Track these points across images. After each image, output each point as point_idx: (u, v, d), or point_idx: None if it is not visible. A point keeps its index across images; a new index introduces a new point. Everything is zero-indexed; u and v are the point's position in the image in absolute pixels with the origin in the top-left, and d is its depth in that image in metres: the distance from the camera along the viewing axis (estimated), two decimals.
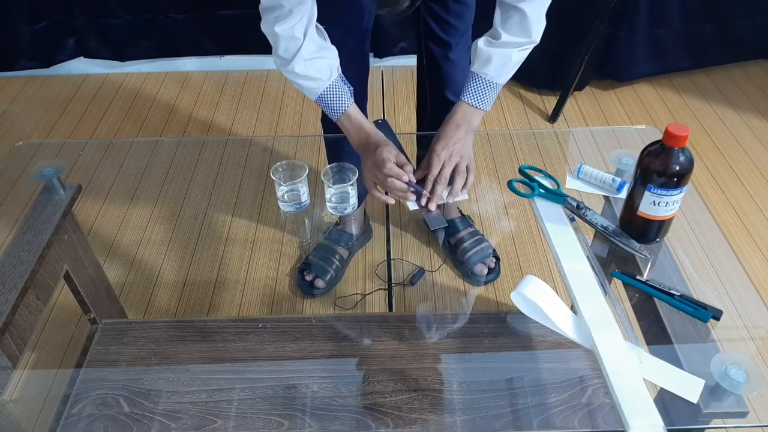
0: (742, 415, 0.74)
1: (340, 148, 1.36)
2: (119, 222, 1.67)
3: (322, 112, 1.39)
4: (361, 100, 1.33)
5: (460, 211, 1.58)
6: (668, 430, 0.70)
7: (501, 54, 1.03)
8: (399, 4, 0.88)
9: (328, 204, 1.12)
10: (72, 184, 1.07)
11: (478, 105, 1.06)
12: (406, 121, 2.18)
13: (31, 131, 2.16)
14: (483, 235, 1.56)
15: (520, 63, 1.06)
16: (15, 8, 2.21)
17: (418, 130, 1.56)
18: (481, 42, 1.05)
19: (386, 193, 1.03)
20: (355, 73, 1.24)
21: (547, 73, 2.28)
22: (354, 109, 1.08)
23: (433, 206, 1.01)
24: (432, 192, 1.01)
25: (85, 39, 2.35)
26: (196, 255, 1.61)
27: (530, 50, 1.06)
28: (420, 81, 1.45)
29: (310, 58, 1.02)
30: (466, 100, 1.07)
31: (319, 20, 1.05)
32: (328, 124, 1.39)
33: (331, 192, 1.11)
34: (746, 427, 0.76)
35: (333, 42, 1.08)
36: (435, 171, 1.02)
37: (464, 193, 1.05)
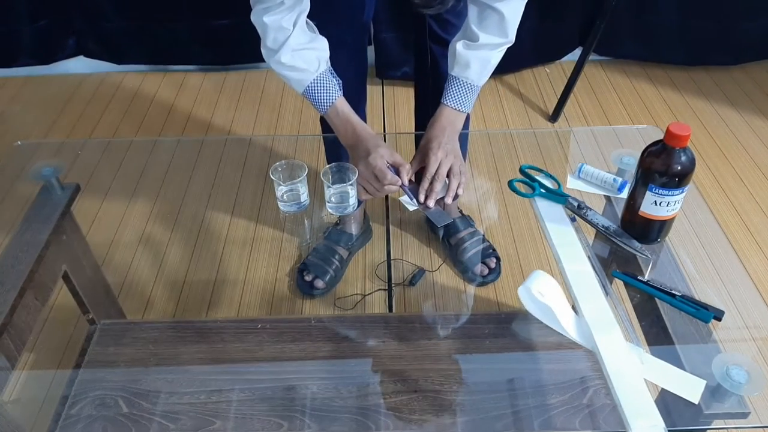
0: (744, 415, 0.73)
1: (339, 147, 1.36)
2: (118, 222, 1.67)
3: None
4: (359, 99, 1.33)
5: (461, 211, 1.58)
6: (669, 430, 0.70)
7: (480, 58, 1.04)
8: (446, 3, 0.86)
9: (327, 204, 1.12)
10: (70, 183, 1.07)
11: (460, 108, 1.08)
12: (405, 120, 2.18)
13: (30, 131, 2.16)
14: (483, 235, 1.56)
15: (497, 62, 1.07)
16: (15, 6, 2.20)
17: (416, 130, 1.56)
18: (459, 46, 1.05)
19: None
20: (355, 72, 1.23)
21: (535, 49, 2.32)
22: (342, 103, 1.06)
23: (431, 203, 1.01)
24: (430, 189, 1.01)
25: (85, 39, 2.35)
26: (195, 255, 1.60)
27: (505, 50, 1.06)
28: (420, 80, 1.45)
29: (298, 48, 1.01)
30: (448, 103, 1.08)
31: (318, 19, 1.05)
32: (327, 123, 1.39)
33: (330, 192, 1.10)
34: (748, 428, 0.76)
35: (332, 42, 1.08)
36: (433, 169, 1.02)
37: (460, 190, 1.05)
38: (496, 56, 1.06)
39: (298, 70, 1.02)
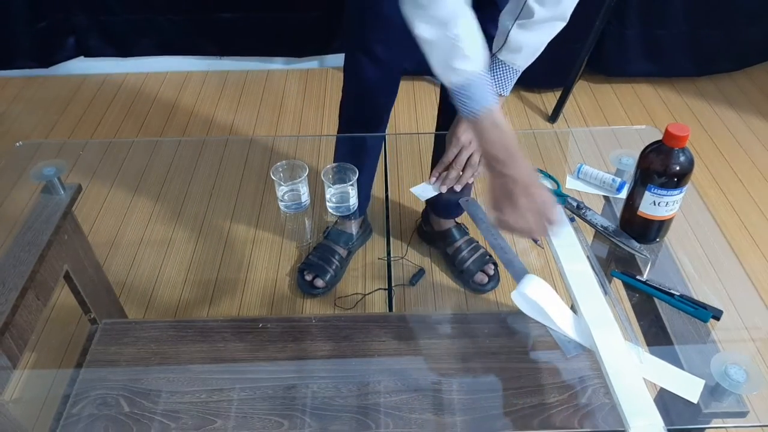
0: (742, 414, 0.74)
1: (356, 147, 1.36)
2: (119, 222, 1.67)
3: (341, 107, 1.36)
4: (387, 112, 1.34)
5: (455, 220, 1.58)
6: (668, 429, 0.70)
7: (532, 44, 0.97)
8: None
9: (327, 204, 1.12)
10: (72, 183, 1.07)
11: (500, 91, 1.03)
12: (405, 118, 2.18)
13: (31, 131, 2.16)
14: (478, 242, 1.56)
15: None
16: (15, 8, 2.21)
17: (437, 130, 1.53)
18: (514, 28, 0.97)
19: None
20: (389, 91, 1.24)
21: (544, 72, 2.28)
22: (497, 107, 0.87)
23: (444, 188, 1.03)
24: (445, 176, 1.03)
25: (85, 38, 2.35)
26: (196, 255, 1.61)
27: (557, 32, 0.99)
28: None
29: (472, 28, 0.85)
30: None
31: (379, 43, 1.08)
32: (348, 120, 1.37)
33: (331, 192, 1.11)
34: (746, 426, 0.76)
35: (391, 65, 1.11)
36: (450, 156, 1.03)
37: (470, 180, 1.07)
38: (546, 41, 0.99)
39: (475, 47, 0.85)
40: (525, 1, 0.95)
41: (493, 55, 1.02)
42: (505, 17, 1.00)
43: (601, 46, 2.22)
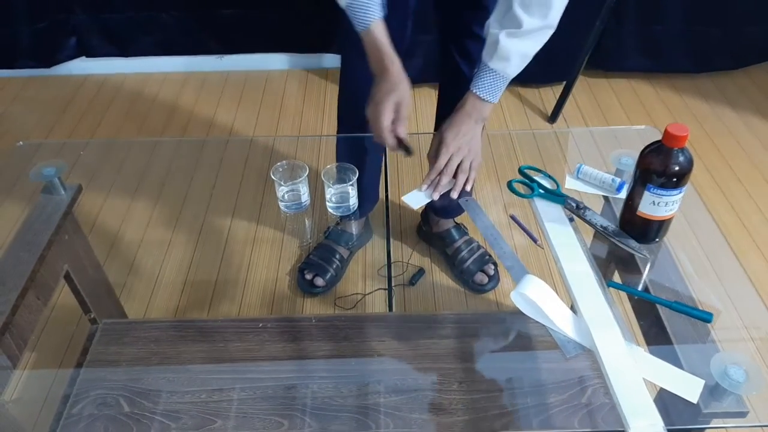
0: (742, 415, 0.74)
1: (353, 147, 1.35)
2: (119, 222, 1.67)
3: (338, 107, 1.36)
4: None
5: (454, 220, 1.58)
6: (668, 430, 0.70)
7: (521, 52, 1.00)
8: None
9: (328, 204, 1.13)
10: (73, 184, 1.07)
11: (489, 98, 1.04)
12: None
13: (32, 131, 2.16)
14: (478, 242, 1.56)
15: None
16: (16, 8, 2.21)
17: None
18: (502, 36, 0.99)
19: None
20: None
21: (543, 68, 2.28)
22: (378, 27, 0.98)
23: (436, 196, 1.03)
24: (437, 182, 1.02)
25: (86, 38, 2.36)
26: (197, 255, 1.61)
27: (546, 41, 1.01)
28: (445, 85, 1.43)
29: None
30: (477, 92, 1.04)
31: None
32: (345, 120, 1.37)
33: (331, 192, 1.11)
34: (746, 426, 0.76)
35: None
36: (442, 163, 1.02)
37: (467, 187, 1.06)
38: (537, 48, 1.01)
39: None
40: (511, 9, 0.97)
41: (483, 63, 1.04)
42: (492, 24, 1.02)
43: (598, 41, 2.22)
